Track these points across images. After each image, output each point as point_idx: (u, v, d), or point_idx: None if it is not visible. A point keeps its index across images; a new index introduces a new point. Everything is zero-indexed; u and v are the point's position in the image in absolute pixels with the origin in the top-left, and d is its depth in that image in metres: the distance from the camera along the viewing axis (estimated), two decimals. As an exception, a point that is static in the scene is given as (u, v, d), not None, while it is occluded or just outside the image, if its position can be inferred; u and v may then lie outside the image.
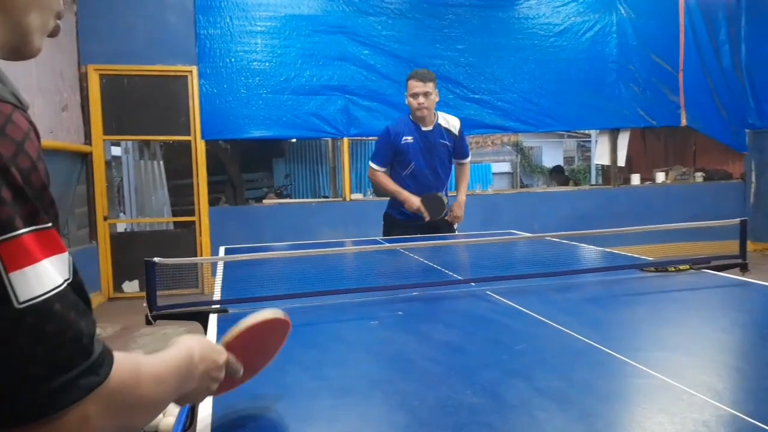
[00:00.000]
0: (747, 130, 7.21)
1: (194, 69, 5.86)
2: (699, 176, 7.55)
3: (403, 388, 1.05)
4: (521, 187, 13.02)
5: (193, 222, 6.05)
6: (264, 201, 6.93)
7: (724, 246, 2.07)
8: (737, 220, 1.99)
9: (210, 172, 6.27)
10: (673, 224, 2.21)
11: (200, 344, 0.81)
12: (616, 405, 0.95)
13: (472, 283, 1.83)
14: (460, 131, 3.41)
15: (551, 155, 14.96)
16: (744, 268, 1.95)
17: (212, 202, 6.51)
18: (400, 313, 1.57)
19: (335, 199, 6.72)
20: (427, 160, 3.34)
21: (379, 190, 3.48)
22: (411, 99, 3.27)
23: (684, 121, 7.01)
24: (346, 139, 6.37)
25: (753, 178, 7.23)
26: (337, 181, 6.93)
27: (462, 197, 3.44)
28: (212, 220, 6.06)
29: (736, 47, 7.13)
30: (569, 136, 14.68)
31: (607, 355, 1.15)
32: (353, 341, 1.37)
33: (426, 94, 3.23)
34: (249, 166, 9.62)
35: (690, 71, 6.94)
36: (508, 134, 9.02)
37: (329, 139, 6.76)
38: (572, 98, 6.71)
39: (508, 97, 6.62)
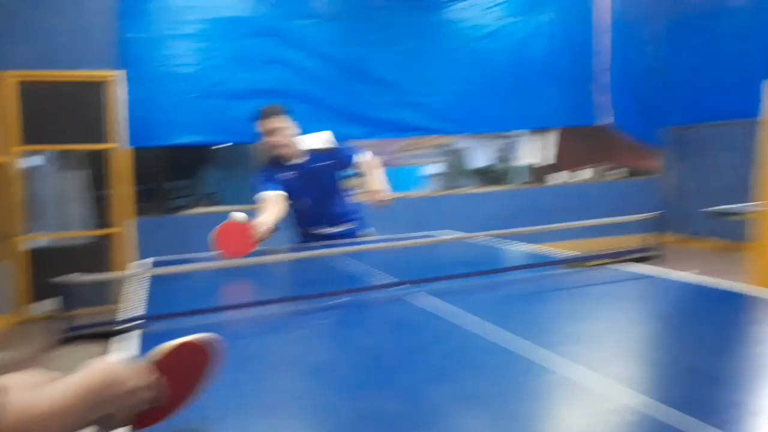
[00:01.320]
0: (663, 128, 7.59)
1: (117, 74, 5.63)
2: (619, 173, 7.90)
3: (323, 400, 1.03)
4: (451, 188, 13.21)
5: (116, 234, 5.80)
6: (193, 210, 6.73)
7: (640, 239, 2.15)
8: (653, 214, 2.07)
9: (137, 180, 6.03)
10: (592, 220, 2.27)
11: (113, 367, 0.77)
12: (533, 402, 0.97)
13: (401, 287, 1.83)
14: (333, 142, 3.17)
15: (480, 155, 15.28)
16: (660, 260, 2.04)
17: (139, 212, 6.26)
18: (324, 321, 1.55)
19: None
20: (315, 189, 3.12)
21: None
22: (266, 138, 3.03)
23: (607, 120, 7.30)
24: (278, 144, 6.27)
25: (669, 173, 7.63)
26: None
27: (375, 182, 3.12)
28: (138, 231, 5.83)
29: (655, 48, 7.50)
30: (497, 137, 15.02)
31: (527, 352, 1.17)
32: (275, 353, 1.34)
33: (278, 131, 2.99)
34: (178, 174, 9.32)
35: (613, 71, 7.23)
36: (438, 136, 9.12)
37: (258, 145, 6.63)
38: (502, 99, 6.87)
39: (441, 99, 6.70)
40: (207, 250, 2.81)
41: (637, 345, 1.24)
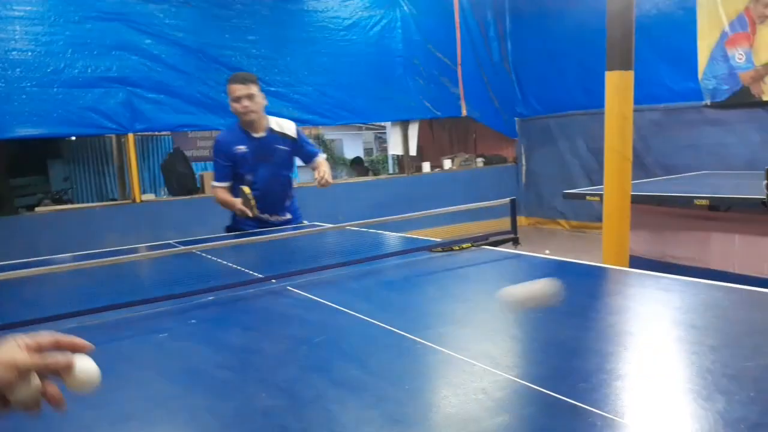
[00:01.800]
0: (516, 118, 8.14)
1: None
2: (480, 161, 8.37)
3: (193, 402, 0.97)
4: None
5: (-55, 239, 5.11)
6: (37, 209, 6.10)
7: (501, 223, 2.28)
8: (508, 200, 2.21)
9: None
10: (454, 207, 2.38)
11: None
12: (406, 384, 0.98)
13: (273, 281, 1.79)
14: (299, 133, 3.25)
15: (352, 147, 15.46)
16: (516, 242, 2.18)
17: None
18: (192, 321, 1.47)
19: (124, 202, 6.17)
20: (266, 169, 3.15)
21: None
22: (234, 104, 3.05)
23: (464, 112, 7.68)
24: (131, 135, 5.85)
25: (523, 161, 8.20)
26: (126, 181, 6.36)
27: (324, 168, 3.18)
28: (-28, 235, 5.17)
29: (503, 44, 8.00)
30: (367, 128, 15.29)
31: (398, 336, 1.19)
32: (138, 359, 1.24)
33: (250, 97, 3.03)
34: (18, 170, 8.40)
35: (466, 65, 7.61)
36: (308, 127, 9.08)
37: (113, 136, 6.17)
38: (364, 91, 6.96)
39: (303, 89, 6.64)
40: (58, 251, 2.57)
41: (496, 323, 1.30)
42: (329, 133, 14.38)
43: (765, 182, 2.61)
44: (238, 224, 3.28)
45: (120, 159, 6.34)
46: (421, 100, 7.36)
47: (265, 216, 3.24)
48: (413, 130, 7.68)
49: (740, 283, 1.39)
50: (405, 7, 7.19)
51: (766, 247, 3.00)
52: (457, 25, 7.56)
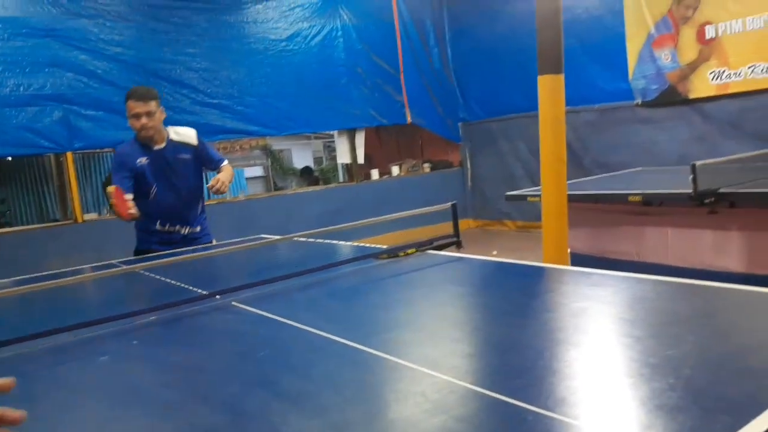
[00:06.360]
0: (459, 123, 8.30)
1: None
2: (426, 167, 8.48)
3: (135, 424, 0.96)
4: (275, 190, 13.14)
5: None
6: (-28, 234, 5.84)
7: (446, 227, 2.33)
8: (448, 205, 2.26)
9: None
10: (396, 214, 2.41)
11: None
12: (348, 393, 1.00)
13: (217, 296, 1.77)
14: (199, 140, 3.19)
15: (301, 156, 15.37)
16: (459, 245, 2.23)
17: None
18: (134, 342, 1.45)
19: (66, 223, 5.97)
20: (170, 180, 3.10)
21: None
22: (132, 121, 2.98)
23: (409, 119, 7.78)
24: (69, 154, 5.69)
25: (468, 165, 8.37)
26: (67, 201, 6.16)
27: (222, 174, 3.13)
28: None
29: (443, 51, 8.15)
30: (316, 138, 15.24)
31: (342, 346, 1.21)
32: (76, 384, 1.22)
33: (149, 114, 2.97)
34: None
35: (408, 73, 7.72)
36: (255, 138, 9.01)
37: (51, 155, 5.97)
38: (309, 101, 6.97)
39: (247, 101, 6.60)
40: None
41: (437, 326, 1.34)
42: (277, 144, 14.28)
43: (691, 176, 2.75)
44: (144, 245, 3.20)
45: (60, 178, 6.14)
46: (366, 108, 7.41)
47: (175, 228, 3.19)
48: (360, 139, 7.73)
49: (673, 275, 1.47)
50: (345, 17, 7.24)
51: (696, 239, 3.16)
52: (398, 33, 7.66)
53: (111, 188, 2.93)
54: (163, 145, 3.09)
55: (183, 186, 3.17)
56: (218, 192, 3.06)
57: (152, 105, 2.99)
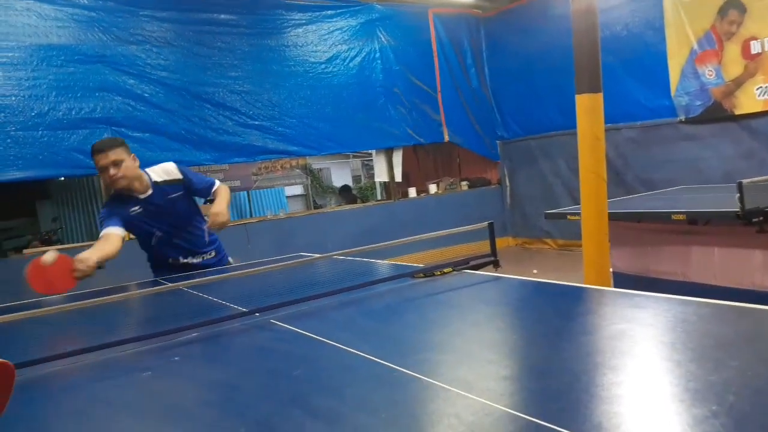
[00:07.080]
0: (498, 141, 8.26)
1: None
2: (464, 185, 8.45)
3: (173, 440, 0.99)
4: (315, 208, 13.28)
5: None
6: (26, 251, 6.08)
7: (484, 245, 2.32)
8: (485, 224, 2.25)
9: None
10: (433, 233, 2.41)
11: None
12: (382, 413, 1.00)
13: (256, 314, 1.80)
14: (181, 170, 3.06)
15: (340, 175, 15.55)
16: (496, 264, 2.21)
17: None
18: (176, 358, 1.48)
19: (113, 241, 6.16)
20: (169, 221, 3.05)
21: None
22: (103, 175, 2.89)
23: (446, 137, 7.79)
24: (118, 175, 5.88)
25: (507, 182, 8.30)
26: (113, 220, 6.36)
27: (216, 205, 3.04)
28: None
29: (480, 70, 8.15)
30: (354, 156, 15.40)
31: (376, 365, 1.21)
32: (118, 399, 1.25)
33: (116, 164, 2.82)
34: (6, 213, 8.38)
35: (446, 92, 7.75)
36: (295, 158, 9.15)
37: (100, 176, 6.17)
38: (348, 121, 7.07)
39: (287, 122, 6.73)
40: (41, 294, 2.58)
41: (473, 347, 1.33)
42: (317, 163, 14.48)
43: (737, 195, 2.68)
44: (158, 275, 3.20)
45: (107, 198, 6.35)
46: (404, 127, 7.46)
47: (188, 260, 3.18)
48: (398, 157, 7.77)
49: (720, 295, 1.43)
50: (383, 39, 7.33)
51: (744, 259, 3.06)
52: (435, 53, 7.71)
53: (48, 255, 2.58)
54: (150, 191, 2.99)
55: (183, 223, 3.12)
56: (222, 226, 2.97)
57: (117, 153, 2.84)
